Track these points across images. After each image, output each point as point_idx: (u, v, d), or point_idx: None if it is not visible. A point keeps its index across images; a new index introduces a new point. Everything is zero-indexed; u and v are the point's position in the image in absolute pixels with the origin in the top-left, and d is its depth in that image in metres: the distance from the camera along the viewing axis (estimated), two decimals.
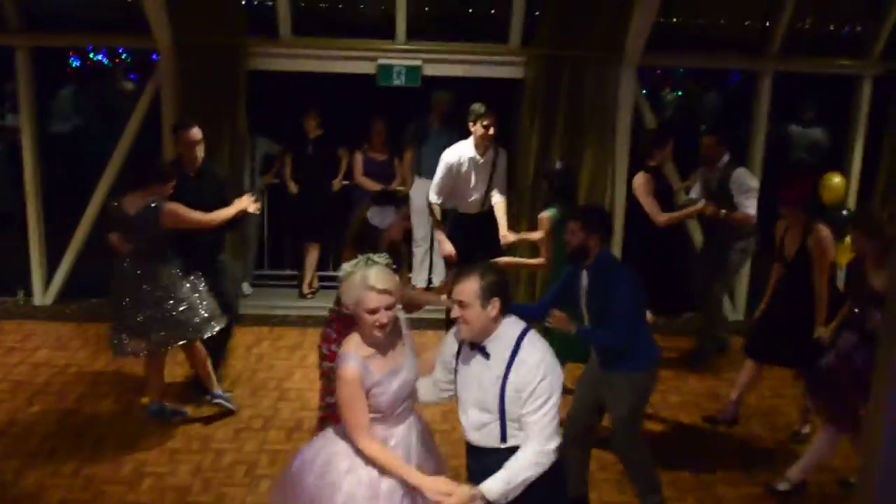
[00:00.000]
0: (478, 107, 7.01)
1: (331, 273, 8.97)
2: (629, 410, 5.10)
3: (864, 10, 8.90)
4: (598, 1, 7.79)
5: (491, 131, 6.97)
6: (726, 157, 7.48)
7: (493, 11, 8.63)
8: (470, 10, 9.24)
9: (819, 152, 9.95)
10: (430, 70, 8.21)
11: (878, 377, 3.69)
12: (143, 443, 6.10)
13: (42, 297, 8.62)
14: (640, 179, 7.38)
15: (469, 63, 8.27)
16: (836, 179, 8.27)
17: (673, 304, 8.16)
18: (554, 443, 3.58)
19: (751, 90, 8.83)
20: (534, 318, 4.55)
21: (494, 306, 3.56)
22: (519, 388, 3.51)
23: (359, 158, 8.56)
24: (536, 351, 3.59)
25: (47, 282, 8.63)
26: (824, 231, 6.06)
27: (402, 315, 4.00)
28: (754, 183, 7.38)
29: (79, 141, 9.85)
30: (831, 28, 9.59)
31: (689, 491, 5.76)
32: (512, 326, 3.67)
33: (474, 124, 7.02)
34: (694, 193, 7.74)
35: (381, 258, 3.85)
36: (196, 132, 6.39)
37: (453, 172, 7.07)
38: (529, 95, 8.11)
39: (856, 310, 5.49)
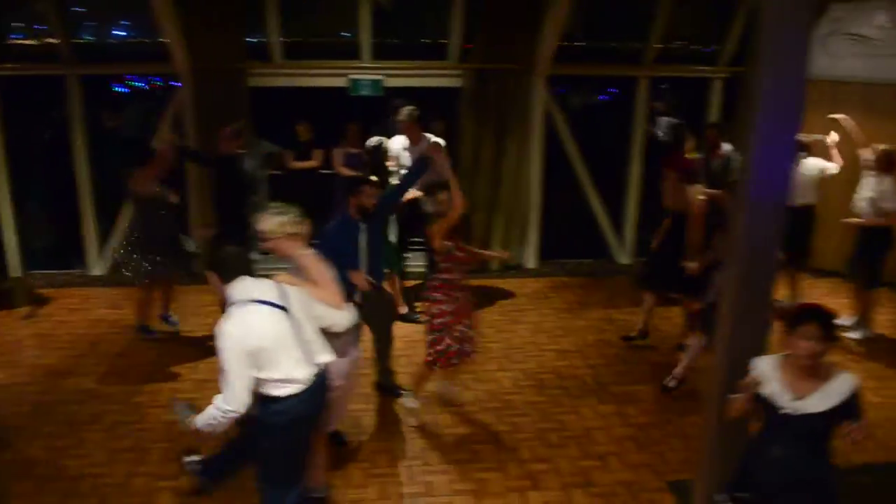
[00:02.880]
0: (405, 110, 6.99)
1: None
2: None
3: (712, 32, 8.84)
4: (514, 27, 7.63)
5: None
6: (727, 145, 7.38)
7: (438, 40, 8.42)
8: (420, 38, 9.14)
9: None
10: (391, 82, 8.03)
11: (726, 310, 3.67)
12: (176, 377, 5.95)
13: (96, 267, 8.33)
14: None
15: (419, 76, 8.10)
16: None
17: None
18: (229, 405, 3.32)
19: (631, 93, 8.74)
20: None
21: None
22: None
23: (339, 153, 8.31)
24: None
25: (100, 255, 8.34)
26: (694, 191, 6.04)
27: None
28: None
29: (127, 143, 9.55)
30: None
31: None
32: None
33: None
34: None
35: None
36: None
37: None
38: (466, 99, 7.96)
39: None
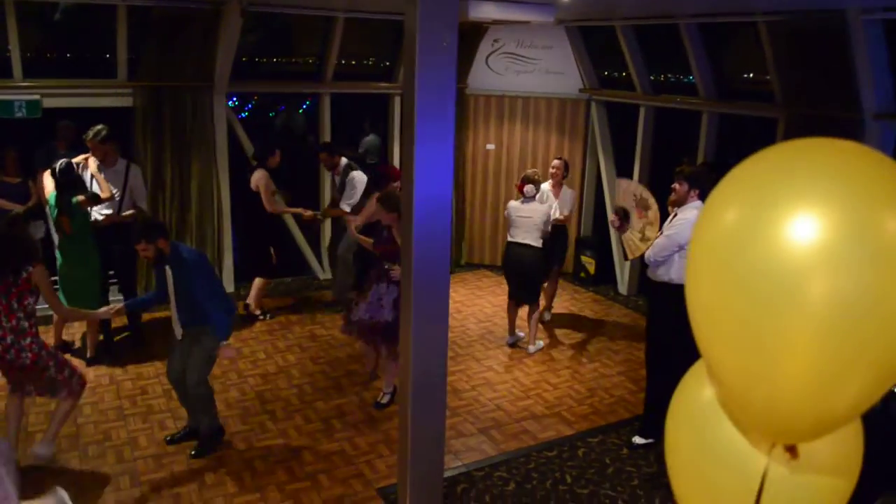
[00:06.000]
0: (92, 130, 6.39)
1: None
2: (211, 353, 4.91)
3: (388, 50, 9.19)
4: (187, 43, 7.26)
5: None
6: (343, 161, 7.48)
7: (107, 56, 7.71)
8: (84, 54, 8.34)
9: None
10: (50, 103, 7.15)
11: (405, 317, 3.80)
12: None
13: None
14: (261, 177, 7.21)
15: (83, 95, 7.34)
16: None
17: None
18: None
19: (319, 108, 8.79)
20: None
21: None
22: None
23: None
24: None
25: None
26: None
27: None
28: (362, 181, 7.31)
29: None
30: (370, 63, 9.90)
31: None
32: None
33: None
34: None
35: None
36: None
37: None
38: (139, 119, 7.39)
39: (386, 266, 5.58)
